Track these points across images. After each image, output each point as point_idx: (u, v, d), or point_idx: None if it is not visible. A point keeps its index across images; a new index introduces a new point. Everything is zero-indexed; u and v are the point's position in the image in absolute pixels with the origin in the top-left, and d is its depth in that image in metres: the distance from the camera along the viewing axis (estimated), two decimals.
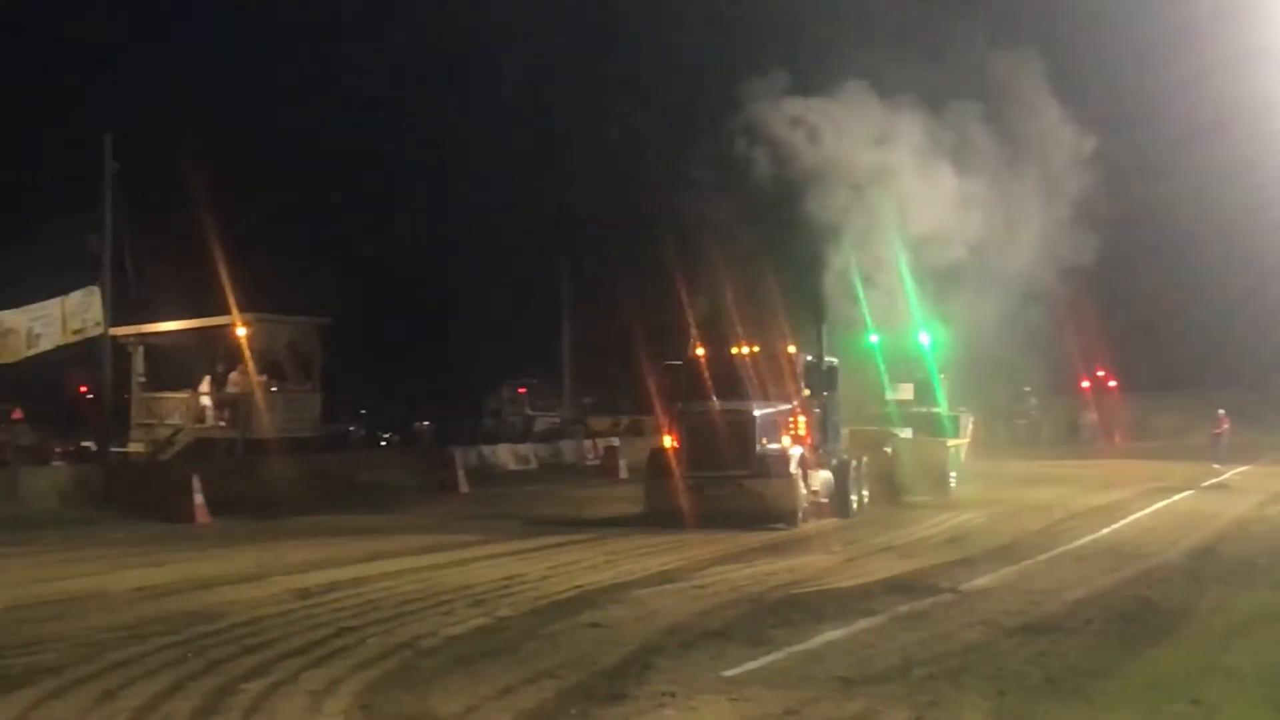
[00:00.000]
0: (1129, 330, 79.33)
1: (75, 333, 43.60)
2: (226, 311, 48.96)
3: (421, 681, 15.55)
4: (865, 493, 37.97)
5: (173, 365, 52.06)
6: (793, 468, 34.01)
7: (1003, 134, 43.21)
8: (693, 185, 38.56)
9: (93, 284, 43.40)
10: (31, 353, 43.87)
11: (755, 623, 19.50)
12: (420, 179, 78.47)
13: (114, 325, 44.60)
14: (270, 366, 50.99)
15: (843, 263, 38.17)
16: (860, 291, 39.04)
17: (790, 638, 18.15)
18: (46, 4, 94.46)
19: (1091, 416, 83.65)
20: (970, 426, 49.19)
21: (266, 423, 48.82)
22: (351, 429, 66.72)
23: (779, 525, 32.93)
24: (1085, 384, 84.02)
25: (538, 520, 36.23)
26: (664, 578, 24.32)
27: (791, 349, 36.17)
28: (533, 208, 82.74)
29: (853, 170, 38.68)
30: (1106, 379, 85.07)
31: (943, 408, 45.94)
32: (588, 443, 62.81)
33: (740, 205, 37.66)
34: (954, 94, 42.39)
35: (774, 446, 34.36)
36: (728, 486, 33.65)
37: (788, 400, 35.45)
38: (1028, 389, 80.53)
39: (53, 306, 43.30)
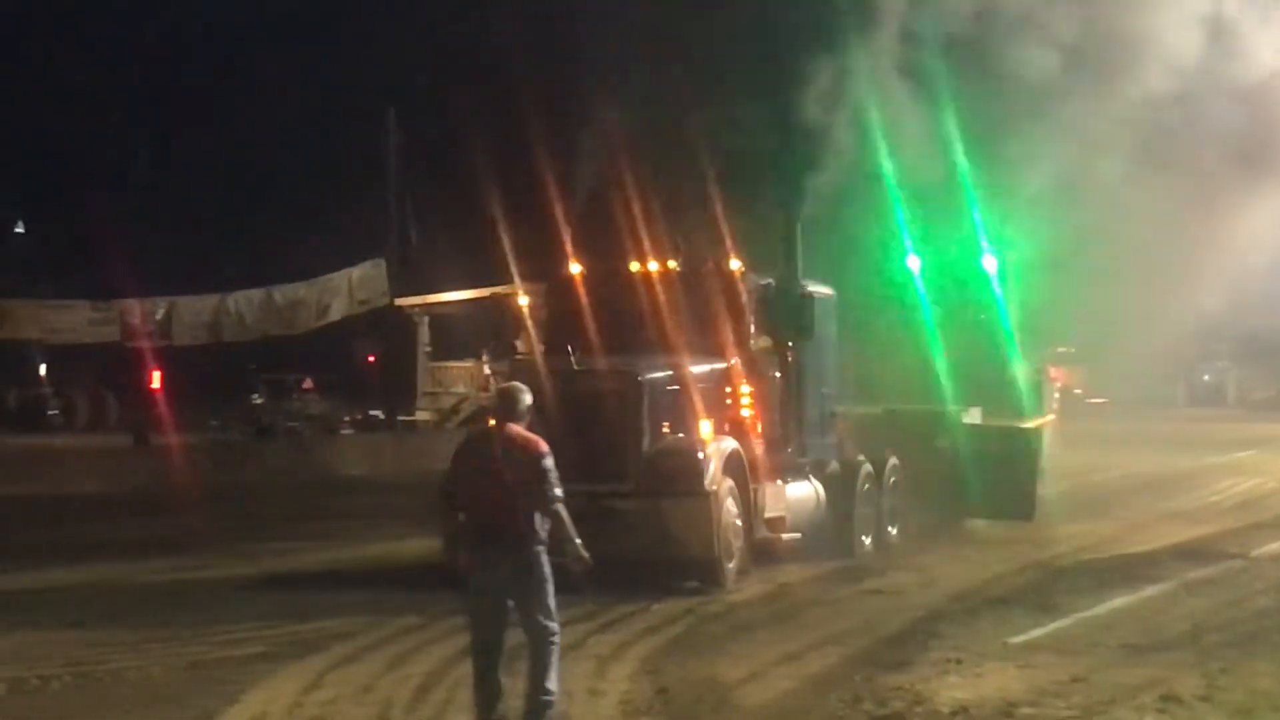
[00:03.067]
0: None
1: (361, 304, 44.56)
2: (509, 281, 49.57)
3: (706, 647, 15.63)
4: (893, 522, 23.74)
5: (457, 334, 52.95)
6: (708, 478, 19.09)
7: None
8: None
9: (379, 256, 44.21)
10: (320, 324, 44.97)
11: (1041, 590, 19.32)
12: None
13: (399, 296, 45.36)
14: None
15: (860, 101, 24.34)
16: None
17: (1077, 605, 17.96)
18: None
19: None
20: (1056, 398, 31.96)
21: None
22: None
23: (691, 583, 19.24)
24: None
25: None
26: (948, 542, 24.10)
27: (736, 265, 21.63)
28: None
29: None
30: None
31: (1017, 370, 27.04)
32: None
33: None
34: None
35: (676, 439, 19.78)
36: (591, 515, 15.26)
37: (719, 356, 20.97)
38: None
39: (340, 279, 44.31)
